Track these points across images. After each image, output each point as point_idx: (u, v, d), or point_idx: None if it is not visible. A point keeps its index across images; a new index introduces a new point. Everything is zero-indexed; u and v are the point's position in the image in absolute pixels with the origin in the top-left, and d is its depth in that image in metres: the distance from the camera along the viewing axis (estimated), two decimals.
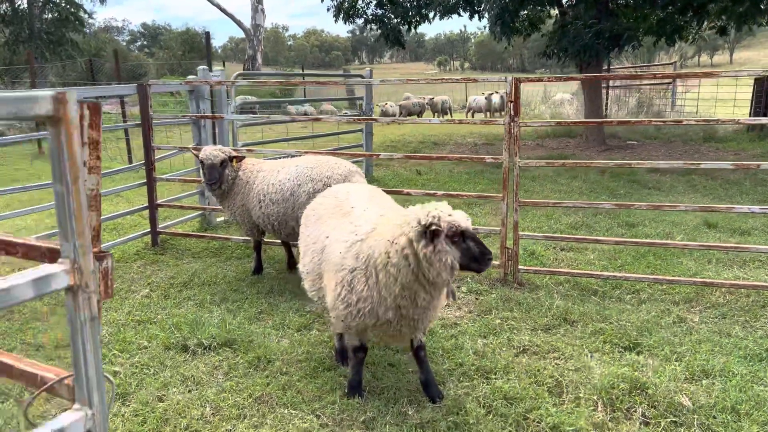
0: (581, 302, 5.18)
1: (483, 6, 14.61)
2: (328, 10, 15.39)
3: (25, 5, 29.07)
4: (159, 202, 7.07)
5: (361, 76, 10.90)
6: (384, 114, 24.42)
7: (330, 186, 5.34)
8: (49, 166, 1.33)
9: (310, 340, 4.53)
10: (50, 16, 28.78)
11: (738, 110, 19.02)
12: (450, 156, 6.25)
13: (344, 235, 3.52)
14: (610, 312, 4.93)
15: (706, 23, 15.81)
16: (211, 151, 5.66)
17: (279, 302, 5.28)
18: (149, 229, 7.03)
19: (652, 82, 22.71)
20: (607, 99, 21.15)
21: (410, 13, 15.95)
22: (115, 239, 7.11)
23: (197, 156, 6.02)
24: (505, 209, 5.62)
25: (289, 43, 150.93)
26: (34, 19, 28.50)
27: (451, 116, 27.34)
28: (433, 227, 2.94)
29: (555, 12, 16.12)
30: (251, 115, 12.59)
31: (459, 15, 15.47)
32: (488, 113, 26.49)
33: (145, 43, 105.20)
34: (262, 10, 39.04)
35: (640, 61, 35.40)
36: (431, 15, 15.74)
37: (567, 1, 16.23)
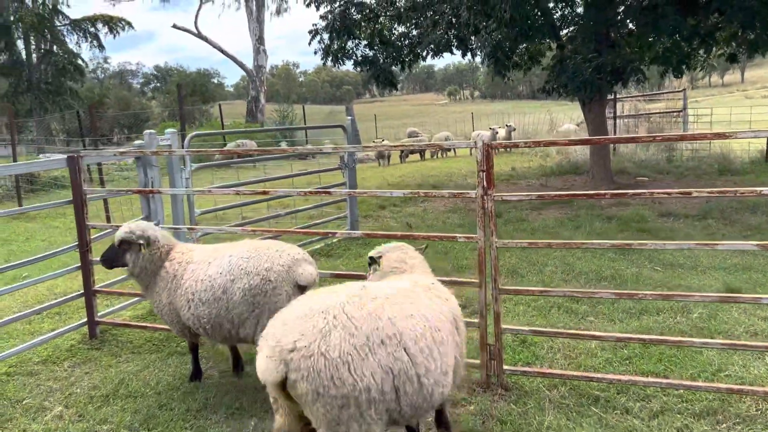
0: (578, 416, 4.20)
1: (475, 44, 13.86)
2: (315, 53, 14.75)
3: (24, 56, 29.07)
4: (97, 287, 6.24)
5: (343, 127, 10.08)
6: (379, 153, 23.66)
7: (270, 280, 4.48)
8: None
9: None
10: (48, 66, 28.70)
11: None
12: (416, 235, 5.32)
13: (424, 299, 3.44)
14: None
15: (715, 50, 14.92)
16: (123, 229, 4.94)
17: (208, 426, 4.34)
18: (86, 320, 6.19)
19: (661, 110, 21.88)
20: (615, 130, 20.22)
21: (403, 52, 15.28)
22: (54, 329, 6.31)
23: None
24: (483, 298, 4.69)
25: (300, 79, 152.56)
26: (33, 70, 28.43)
27: (455, 153, 26.51)
28: None
29: (555, 45, 15.34)
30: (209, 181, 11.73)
31: (452, 53, 14.75)
32: None
33: (158, 85, 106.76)
34: (264, 51, 39.00)
35: (648, 89, 34.55)
36: (424, 53, 15.03)
37: (568, 34, 15.45)
